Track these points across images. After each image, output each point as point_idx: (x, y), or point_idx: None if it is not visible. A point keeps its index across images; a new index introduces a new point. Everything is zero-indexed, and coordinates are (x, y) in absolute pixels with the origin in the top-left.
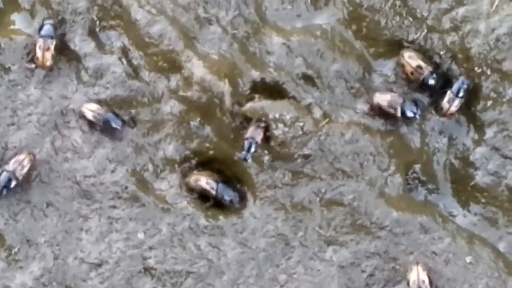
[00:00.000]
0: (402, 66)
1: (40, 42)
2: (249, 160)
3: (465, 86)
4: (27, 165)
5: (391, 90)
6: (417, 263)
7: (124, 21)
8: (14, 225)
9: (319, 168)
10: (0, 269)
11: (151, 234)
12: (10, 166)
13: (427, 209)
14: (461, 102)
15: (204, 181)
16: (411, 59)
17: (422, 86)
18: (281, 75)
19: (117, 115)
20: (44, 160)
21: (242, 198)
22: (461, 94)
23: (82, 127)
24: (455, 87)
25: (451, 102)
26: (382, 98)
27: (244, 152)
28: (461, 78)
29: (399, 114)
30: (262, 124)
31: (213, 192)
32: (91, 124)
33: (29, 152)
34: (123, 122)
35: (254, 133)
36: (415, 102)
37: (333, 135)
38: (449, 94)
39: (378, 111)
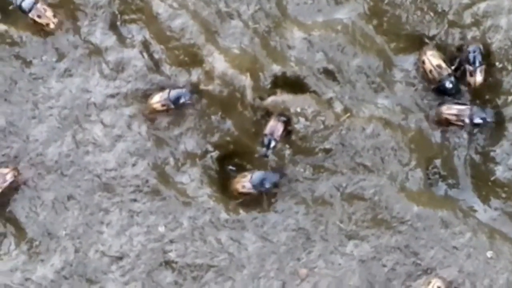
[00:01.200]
0: (423, 62)
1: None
2: (269, 157)
3: (477, 53)
4: (9, 179)
5: (457, 103)
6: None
7: (146, 15)
8: (35, 218)
9: (340, 162)
10: (22, 262)
11: (172, 228)
12: None
13: (447, 204)
14: (483, 69)
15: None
16: (433, 57)
17: (439, 86)
18: (302, 70)
19: (179, 88)
20: (30, 173)
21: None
22: (478, 62)
23: (103, 121)
24: (470, 58)
25: (473, 74)
26: (450, 112)
27: (263, 149)
28: (470, 47)
29: (468, 126)
30: (283, 119)
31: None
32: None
33: (14, 167)
34: (191, 93)
35: (273, 128)
36: (483, 109)
37: (354, 129)
38: (468, 69)
39: (445, 124)
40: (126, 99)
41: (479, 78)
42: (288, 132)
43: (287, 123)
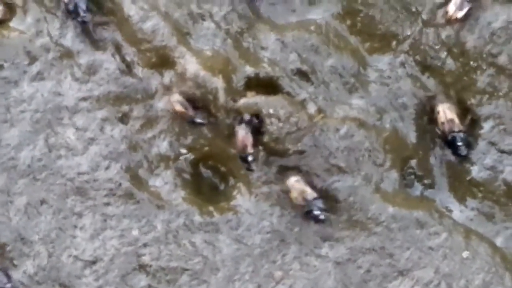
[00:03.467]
0: (438, 113)
1: None
2: (254, 168)
3: None
4: None
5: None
6: None
7: (117, 17)
8: (7, 223)
9: (314, 163)
10: None
11: (145, 231)
12: None
13: (423, 204)
14: (469, 9)
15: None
16: (449, 110)
17: (447, 140)
18: (275, 71)
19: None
20: None
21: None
22: None
23: (76, 124)
24: None
25: (458, 6)
26: None
27: (245, 165)
28: None
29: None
30: (249, 126)
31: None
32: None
33: None
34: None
35: (244, 142)
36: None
37: (328, 130)
38: None
39: None
40: (99, 102)
41: (459, 14)
42: (259, 132)
43: (255, 126)
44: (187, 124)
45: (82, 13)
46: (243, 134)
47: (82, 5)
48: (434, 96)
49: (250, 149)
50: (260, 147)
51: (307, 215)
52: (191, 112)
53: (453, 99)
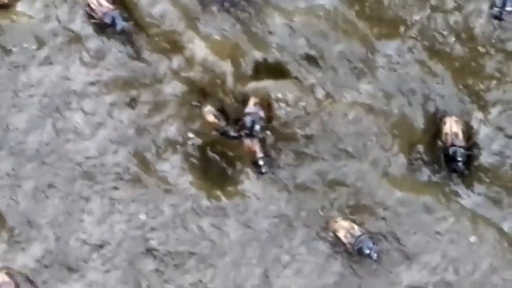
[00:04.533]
0: (444, 123)
1: None
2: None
3: None
4: None
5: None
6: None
7: (126, 2)
8: (15, 207)
9: (322, 148)
10: (2, 251)
11: (153, 215)
12: None
13: (430, 189)
14: None
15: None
16: (455, 124)
17: (447, 153)
18: (284, 56)
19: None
20: None
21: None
22: None
23: (84, 108)
24: None
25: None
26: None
27: (257, 169)
28: None
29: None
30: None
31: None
32: None
33: None
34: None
35: (251, 146)
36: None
37: (336, 115)
38: None
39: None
40: (107, 87)
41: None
42: (268, 118)
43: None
44: (220, 135)
45: (120, 25)
46: (248, 142)
47: (119, 17)
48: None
49: (259, 154)
50: (268, 132)
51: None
52: (223, 123)
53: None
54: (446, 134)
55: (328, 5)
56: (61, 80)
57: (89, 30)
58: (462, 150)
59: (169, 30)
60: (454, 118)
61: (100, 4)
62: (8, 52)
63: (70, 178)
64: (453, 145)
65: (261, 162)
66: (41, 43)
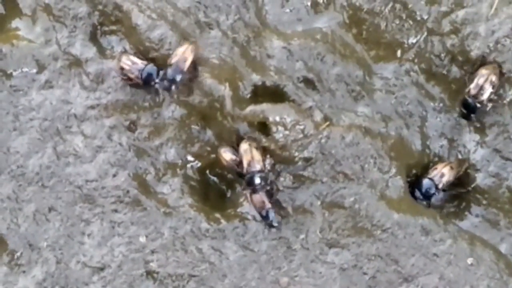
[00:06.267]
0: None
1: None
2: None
3: None
4: None
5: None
6: None
7: (125, 26)
8: (16, 230)
9: (320, 171)
10: (3, 274)
11: (153, 238)
12: None
13: (428, 211)
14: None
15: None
16: (486, 76)
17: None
18: (282, 79)
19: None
20: None
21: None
22: None
23: (84, 132)
24: None
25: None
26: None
27: (268, 222)
28: None
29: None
30: (265, 188)
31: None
32: None
33: None
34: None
35: (259, 198)
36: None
37: (334, 138)
38: None
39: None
40: (107, 110)
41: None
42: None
43: (270, 190)
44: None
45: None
46: (257, 196)
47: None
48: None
49: (268, 204)
50: (267, 155)
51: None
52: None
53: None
54: (477, 85)
55: (326, 28)
56: (61, 103)
57: (89, 54)
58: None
59: (168, 54)
60: (487, 70)
61: (134, 63)
62: (8, 76)
63: (70, 201)
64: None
65: (271, 215)
66: (41, 67)
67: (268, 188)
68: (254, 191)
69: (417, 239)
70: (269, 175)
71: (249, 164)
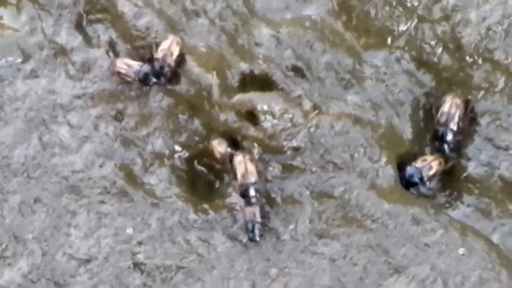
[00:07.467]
0: (444, 100)
1: None
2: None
3: None
4: None
5: None
6: None
7: (111, 14)
8: (1, 222)
9: (309, 160)
10: None
11: (140, 229)
12: None
13: (419, 201)
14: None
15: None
16: (455, 105)
17: (437, 131)
18: (270, 67)
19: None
20: None
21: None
22: None
23: (70, 122)
24: None
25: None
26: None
27: (249, 234)
28: None
29: None
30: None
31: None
32: None
33: None
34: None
35: (251, 211)
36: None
37: (323, 127)
38: None
39: None
40: (93, 99)
41: None
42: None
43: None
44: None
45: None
46: (250, 208)
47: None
48: None
49: (258, 219)
50: (255, 144)
51: None
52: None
53: None
54: (442, 114)
55: (315, 16)
56: (46, 93)
57: (74, 43)
58: (454, 129)
59: (154, 42)
60: (457, 99)
61: (129, 66)
62: None
63: (56, 192)
64: (443, 129)
65: (256, 231)
66: (26, 56)
67: (263, 203)
68: (248, 203)
69: (408, 229)
70: (264, 187)
71: (243, 176)
